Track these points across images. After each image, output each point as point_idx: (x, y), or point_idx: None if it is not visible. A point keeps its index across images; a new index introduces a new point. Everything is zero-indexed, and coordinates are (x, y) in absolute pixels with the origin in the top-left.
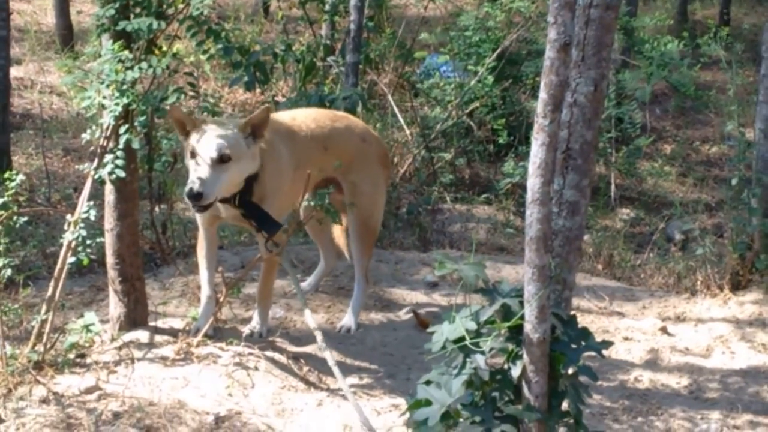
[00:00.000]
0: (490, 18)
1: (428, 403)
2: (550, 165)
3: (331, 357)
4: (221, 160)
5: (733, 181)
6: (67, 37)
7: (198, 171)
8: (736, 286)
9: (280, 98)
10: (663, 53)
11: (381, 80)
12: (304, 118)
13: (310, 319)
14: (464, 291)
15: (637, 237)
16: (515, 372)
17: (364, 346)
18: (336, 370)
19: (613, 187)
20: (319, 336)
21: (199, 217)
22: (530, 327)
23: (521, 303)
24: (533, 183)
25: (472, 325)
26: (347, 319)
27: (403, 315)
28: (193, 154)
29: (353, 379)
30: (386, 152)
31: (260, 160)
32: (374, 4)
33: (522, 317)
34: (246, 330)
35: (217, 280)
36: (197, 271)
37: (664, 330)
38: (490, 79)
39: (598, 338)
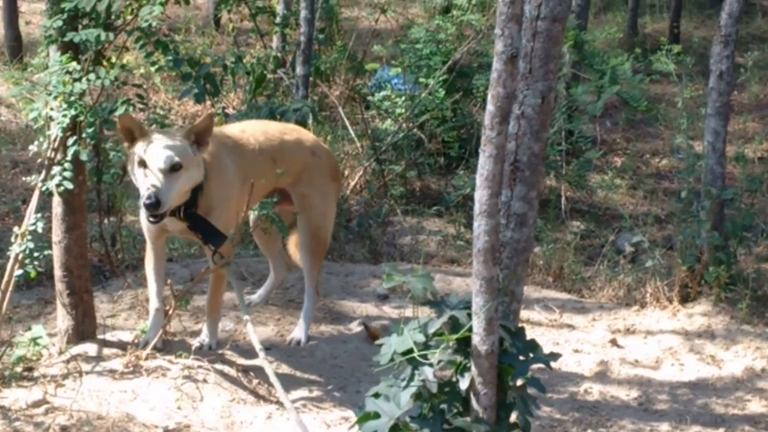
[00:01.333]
0: (441, 31)
1: (377, 415)
2: (498, 177)
3: (271, 370)
4: (173, 169)
5: (683, 194)
6: (15, 48)
7: (151, 180)
8: (685, 299)
9: (230, 110)
10: (614, 68)
11: (332, 93)
12: (252, 130)
13: (254, 337)
14: (413, 303)
15: (587, 249)
16: (464, 384)
17: (314, 359)
18: (277, 383)
19: (563, 199)
20: (261, 354)
21: (146, 231)
22: (478, 339)
23: (469, 315)
24: (481, 195)
25: (421, 338)
26: (297, 332)
27: (354, 327)
28: (143, 164)
29: (303, 392)
30: (336, 165)
31: (205, 171)
32: (325, 17)
33: (470, 329)
34: (195, 343)
35: (166, 293)
36: (146, 284)
37: (613, 342)
38: (441, 91)
39: (548, 350)
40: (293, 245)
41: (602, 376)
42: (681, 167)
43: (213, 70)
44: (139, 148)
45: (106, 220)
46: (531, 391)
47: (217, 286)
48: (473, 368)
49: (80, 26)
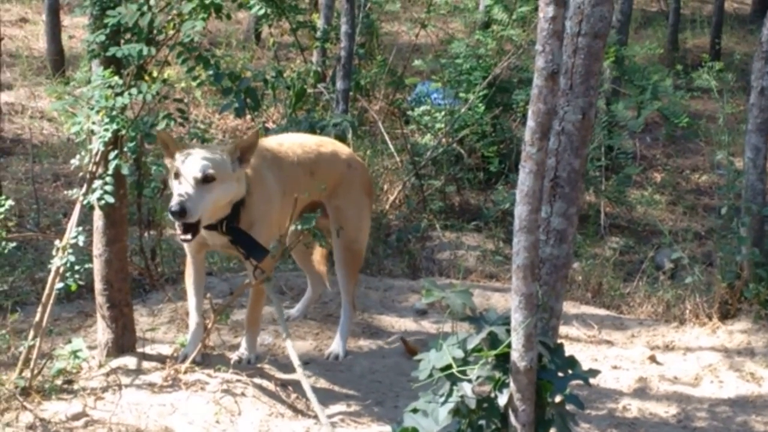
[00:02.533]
0: (481, 46)
1: (415, 431)
2: (538, 193)
3: (308, 386)
4: (205, 180)
5: (723, 210)
6: (58, 62)
7: (181, 189)
8: (725, 315)
9: (270, 125)
10: (656, 84)
11: (372, 107)
12: (290, 143)
13: (293, 352)
14: (452, 319)
15: (626, 265)
16: (502, 400)
17: (352, 374)
18: (313, 398)
19: (602, 215)
20: (299, 369)
21: (186, 245)
22: (517, 355)
23: (508, 331)
24: (521, 211)
25: (459, 353)
26: (335, 346)
27: (392, 342)
28: (177, 175)
29: (341, 407)
30: (370, 179)
31: (247, 186)
32: (365, 32)
33: (509, 345)
34: (234, 357)
35: (206, 307)
36: (186, 298)
37: (652, 359)
38: (481, 106)
39: (587, 367)
40: (319, 257)
41: (641, 392)
42: (721, 183)
43: (253, 85)
44: (178, 160)
45: (146, 234)
46: (570, 407)
47: (257, 301)
48: (512, 384)
49: (123, 41)
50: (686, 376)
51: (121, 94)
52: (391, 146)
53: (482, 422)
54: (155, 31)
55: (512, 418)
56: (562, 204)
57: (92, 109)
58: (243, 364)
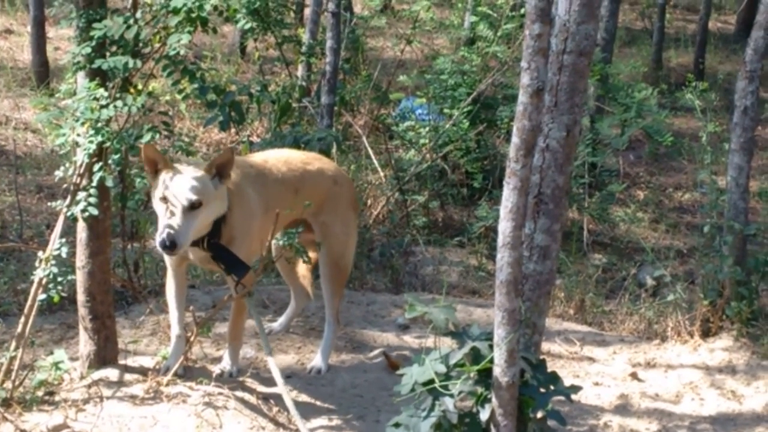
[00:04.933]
0: (466, 62)
1: None
2: (522, 209)
3: (290, 399)
4: (192, 207)
5: (705, 229)
6: (43, 74)
7: (169, 219)
8: (707, 333)
9: (255, 138)
10: (640, 102)
11: (356, 122)
12: (275, 160)
13: (274, 368)
14: (434, 334)
15: (608, 282)
16: (484, 415)
17: (334, 388)
18: (295, 411)
19: (585, 232)
20: (281, 384)
21: (168, 259)
22: (499, 371)
23: (491, 346)
24: (504, 227)
25: (442, 368)
26: (317, 360)
27: (374, 357)
28: (164, 200)
29: (322, 421)
30: (356, 195)
31: (228, 202)
32: (351, 47)
33: (491, 361)
34: (216, 370)
35: (188, 320)
36: (168, 311)
37: (634, 376)
38: (466, 122)
39: (568, 383)
40: (304, 271)
41: (622, 409)
42: (704, 202)
43: (238, 98)
44: (161, 182)
45: (129, 246)
46: (551, 423)
47: (239, 314)
48: (494, 399)
49: (108, 53)
50: (667, 394)
51: (106, 106)
52: (375, 161)
53: None
54: (141, 44)
55: None
56: (545, 220)
57: (77, 121)
58: (225, 377)
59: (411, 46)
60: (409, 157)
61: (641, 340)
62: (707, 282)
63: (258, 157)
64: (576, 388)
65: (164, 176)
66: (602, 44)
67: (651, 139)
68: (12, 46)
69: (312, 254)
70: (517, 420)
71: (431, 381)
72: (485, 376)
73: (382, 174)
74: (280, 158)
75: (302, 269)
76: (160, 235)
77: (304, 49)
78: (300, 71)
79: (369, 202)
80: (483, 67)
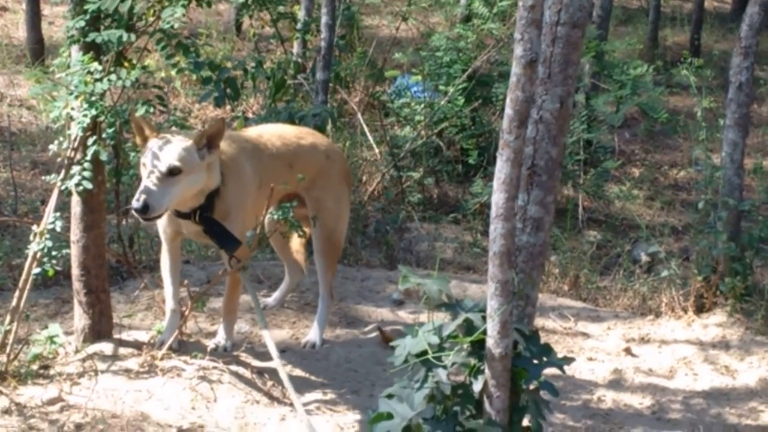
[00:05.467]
0: (462, 39)
1: (390, 416)
2: (515, 180)
3: (284, 372)
4: (171, 173)
5: (700, 205)
6: (38, 51)
7: (146, 182)
8: (701, 309)
9: (250, 115)
10: (635, 79)
11: (351, 99)
12: (270, 135)
13: (270, 342)
14: (428, 307)
15: (603, 259)
16: (477, 387)
17: (329, 362)
18: (289, 385)
19: (580, 209)
20: (276, 358)
21: (162, 232)
22: (492, 342)
23: (484, 318)
24: (498, 198)
25: (435, 340)
26: (312, 335)
27: (369, 332)
28: (143, 165)
29: (317, 395)
30: (349, 169)
31: (222, 176)
32: (346, 24)
33: (484, 332)
34: (211, 344)
35: (183, 294)
36: (163, 286)
37: (628, 351)
38: (461, 99)
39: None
40: (298, 246)
41: (616, 384)
42: (699, 179)
43: (233, 74)
44: (146, 149)
45: (124, 221)
46: (544, 395)
47: (233, 289)
48: (487, 371)
49: (102, 27)
50: (661, 369)
51: (100, 80)
52: (370, 138)
53: (457, 408)
54: (135, 18)
55: (487, 405)
56: (539, 192)
57: (71, 94)
58: (219, 352)
59: (407, 24)
60: (405, 134)
61: (635, 316)
62: (701, 258)
63: (252, 132)
64: (569, 360)
65: (150, 143)
66: (598, 21)
67: (646, 116)
68: (6, 23)
69: (306, 229)
70: (510, 391)
71: (424, 352)
72: (478, 348)
73: (377, 150)
74: (274, 133)
75: (296, 244)
76: (135, 199)
77: (299, 26)
78: (295, 48)
79: (364, 178)
80: (478, 44)
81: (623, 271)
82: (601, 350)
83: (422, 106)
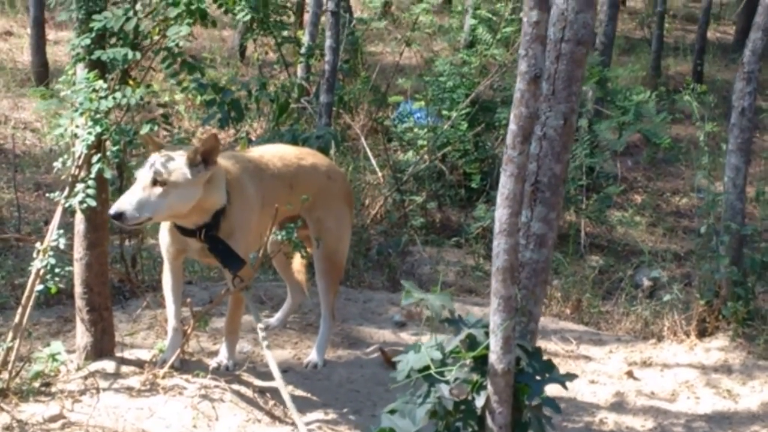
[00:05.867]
0: (465, 65)
1: (392, 431)
2: (518, 196)
3: (285, 389)
4: (153, 183)
5: (702, 229)
6: (42, 74)
7: (130, 190)
8: (703, 333)
9: (253, 137)
10: (638, 105)
11: (355, 124)
12: (271, 155)
13: (271, 360)
14: (430, 328)
15: (605, 284)
16: (479, 402)
17: (331, 383)
18: (289, 402)
19: (582, 234)
20: (277, 375)
21: (164, 251)
22: (495, 357)
23: (487, 334)
24: (501, 214)
25: (438, 355)
26: (313, 355)
27: (371, 353)
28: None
29: (318, 414)
30: (350, 189)
31: (228, 195)
32: (350, 49)
33: (487, 347)
34: (213, 363)
35: (185, 314)
36: (165, 305)
37: (630, 374)
38: (464, 124)
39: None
40: (299, 266)
41: (618, 406)
42: (701, 205)
43: (237, 95)
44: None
45: (127, 241)
46: (546, 411)
47: (236, 308)
48: (489, 386)
49: (108, 46)
50: (663, 392)
51: (105, 97)
52: (373, 162)
53: (459, 424)
54: (141, 37)
55: (489, 420)
56: (542, 209)
57: (76, 110)
58: (222, 371)
59: (410, 50)
60: (407, 158)
61: (637, 340)
62: (704, 282)
63: (254, 152)
64: (571, 376)
65: (150, 157)
66: (601, 48)
67: (649, 143)
68: (12, 47)
69: (309, 250)
70: (512, 407)
71: (427, 367)
72: (481, 364)
73: (380, 174)
74: (275, 153)
75: (297, 264)
76: (114, 204)
77: (303, 50)
78: (299, 72)
79: (367, 202)
80: (482, 70)
81: (625, 295)
82: (603, 373)
83: (425, 131)
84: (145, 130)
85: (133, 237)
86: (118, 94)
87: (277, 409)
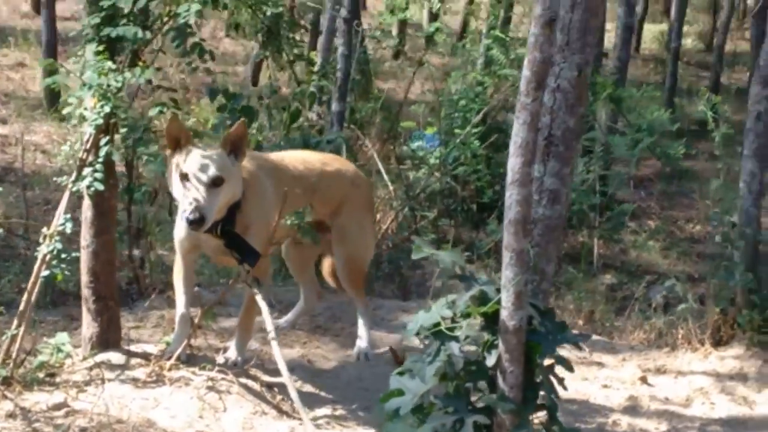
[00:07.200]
0: (479, 85)
1: (401, 393)
2: (531, 145)
3: (290, 382)
4: (215, 184)
5: (717, 237)
6: (54, 98)
7: (194, 194)
8: (718, 341)
9: (264, 144)
10: (652, 121)
11: (365, 138)
12: (292, 159)
13: (278, 354)
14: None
15: (618, 300)
16: (490, 361)
17: (339, 381)
18: (294, 394)
19: (595, 253)
20: (283, 369)
21: (178, 245)
22: (506, 314)
23: (498, 291)
24: (513, 163)
25: (448, 313)
26: (360, 343)
27: (381, 353)
28: (185, 177)
29: (327, 410)
30: (372, 196)
31: (243, 190)
32: (360, 69)
33: (498, 303)
34: (221, 358)
35: (193, 314)
36: (173, 306)
37: (643, 380)
38: (476, 142)
39: (576, 385)
40: (327, 270)
41: (631, 410)
42: (715, 209)
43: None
44: (180, 159)
45: (135, 249)
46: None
47: (251, 306)
48: (500, 345)
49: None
50: (677, 397)
51: (115, 71)
52: (385, 177)
53: (470, 385)
54: (150, 18)
55: (500, 380)
56: (555, 163)
57: (85, 86)
58: (229, 365)
59: (422, 84)
60: (419, 175)
61: (651, 348)
62: (718, 289)
63: (275, 155)
64: (586, 336)
65: (182, 154)
66: (614, 71)
67: (662, 177)
68: (24, 77)
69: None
70: (523, 368)
71: (437, 324)
72: (492, 322)
73: (391, 188)
74: (297, 157)
75: (327, 268)
76: (186, 210)
77: (316, 68)
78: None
79: (378, 216)
80: (495, 90)
81: (638, 309)
82: (617, 379)
83: (437, 150)
84: (153, 111)
85: (142, 238)
86: (127, 74)
87: (285, 404)
